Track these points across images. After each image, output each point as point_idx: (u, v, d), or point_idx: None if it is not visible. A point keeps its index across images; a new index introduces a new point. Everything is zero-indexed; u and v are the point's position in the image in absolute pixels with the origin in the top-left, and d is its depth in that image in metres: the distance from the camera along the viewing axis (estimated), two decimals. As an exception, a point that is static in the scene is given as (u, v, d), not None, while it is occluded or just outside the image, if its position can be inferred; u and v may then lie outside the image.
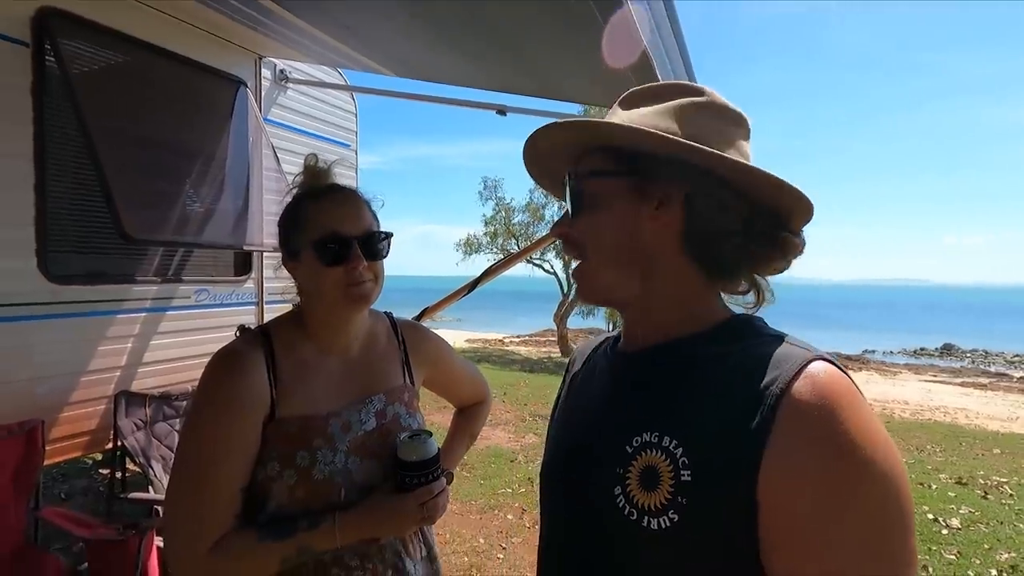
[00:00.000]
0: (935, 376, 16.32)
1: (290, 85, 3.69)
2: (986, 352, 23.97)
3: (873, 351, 22.10)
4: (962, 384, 14.70)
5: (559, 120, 0.71)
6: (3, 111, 2.25)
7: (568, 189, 0.72)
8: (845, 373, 0.58)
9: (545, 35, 1.95)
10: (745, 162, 0.65)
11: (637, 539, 0.60)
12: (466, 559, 3.41)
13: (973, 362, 21.47)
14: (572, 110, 3.24)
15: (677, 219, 0.67)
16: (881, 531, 0.52)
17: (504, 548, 3.57)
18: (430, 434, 1.08)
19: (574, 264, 0.74)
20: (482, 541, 3.66)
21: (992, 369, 19.06)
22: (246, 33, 3.06)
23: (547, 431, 0.87)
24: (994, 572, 3.41)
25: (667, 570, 0.59)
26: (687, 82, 0.74)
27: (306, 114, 3.87)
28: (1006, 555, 3.62)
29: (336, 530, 0.97)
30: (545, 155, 0.77)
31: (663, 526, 0.58)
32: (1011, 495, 4.82)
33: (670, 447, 0.60)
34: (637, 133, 0.65)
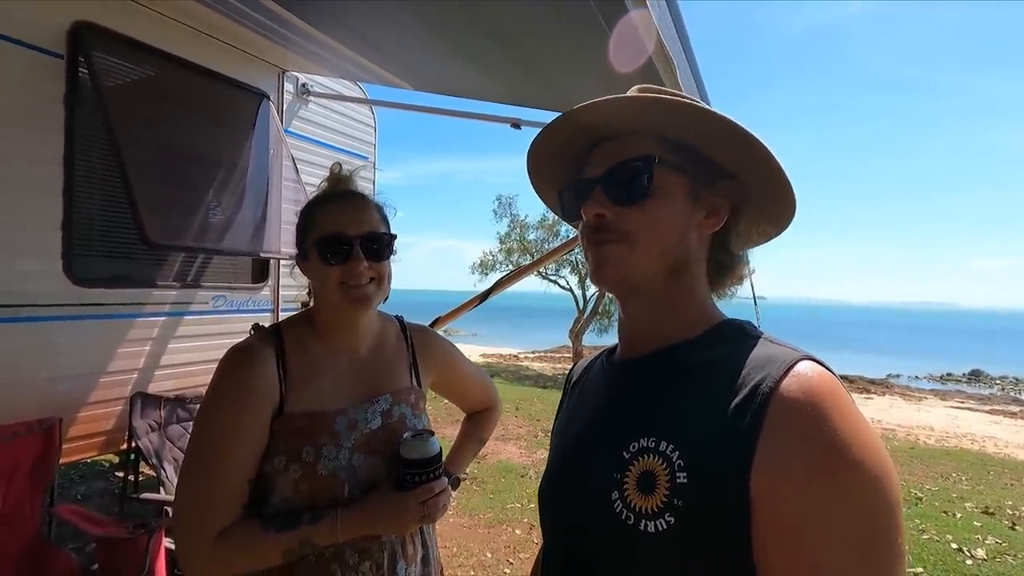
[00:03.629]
0: (962, 403, 15.82)
1: (311, 98, 3.78)
2: (1016, 379, 23.18)
3: (898, 375, 21.53)
4: (991, 411, 14.22)
5: (652, 95, 0.65)
6: (37, 119, 2.35)
7: (624, 170, 0.68)
8: (833, 373, 0.59)
9: (556, 44, 1.97)
10: (792, 185, 0.68)
11: (635, 542, 0.60)
12: (472, 573, 3.38)
13: (1003, 389, 20.76)
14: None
15: (716, 232, 0.71)
16: (869, 528, 0.52)
17: (511, 563, 3.53)
18: (432, 433, 1.10)
19: (600, 247, 0.69)
20: (489, 555, 3.62)
21: (1023, 397, 18.41)
22: (270, 47, 3.16)
23: (549, 448, 0.88)
24: (1022, 606, 3.27)
25: (665, 572, 0.60)
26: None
27: (326, 127, 3.97)
28: (1035, 589, 3.48)
29: (338, 525, 0.98)
30: (567, 136, 0.73)
31: (660, 528, 0.58)
32: (1042, 527, 4.63)
33: (666, 451, 0.60)
34: (753, 140, 0.65)
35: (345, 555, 1.03)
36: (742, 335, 0.68)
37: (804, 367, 0.58)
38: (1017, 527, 4.58)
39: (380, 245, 1.10)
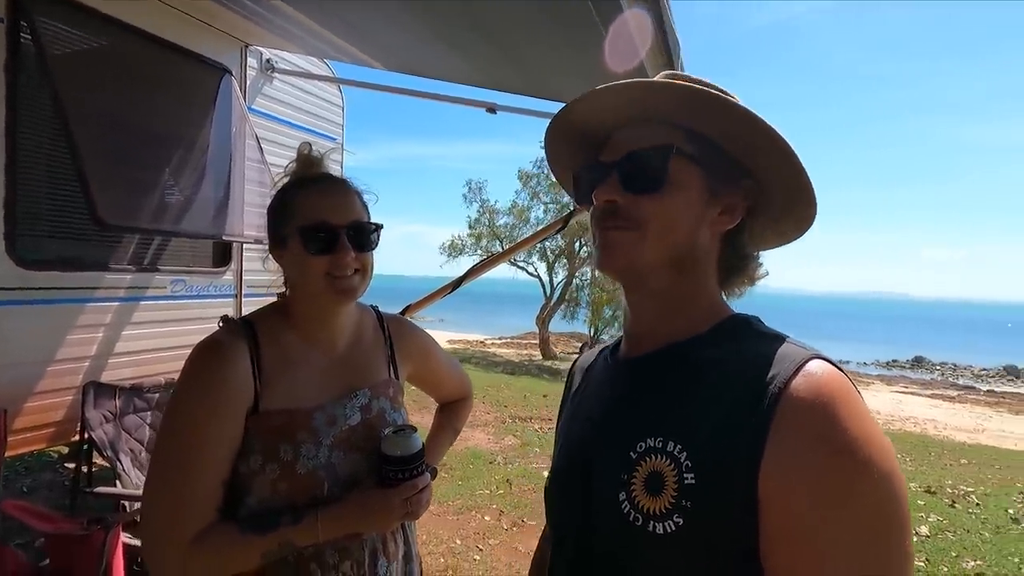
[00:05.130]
0: (906, 388, 16.74)
1: (276, 75, 3.63)
2: (955, 365, 24.66)
3: (848, 362, 22.59)
4: (931, 396, 15.10)
5: (687, 82, 0.64)
6: (-27, 87, 2.17)
7: (637, 158, 0.67)
8: (843, 372, 0.59)
9: (539, 30, 1.93)
10: (813, 189, 0.66)
11: (643, 544, 0.59)
12: (442, 560, 3.38)
13: (942, 375, 22.09)
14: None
15: (729, 228, 0.69)
16: (877, 530, 0.52)
17: (481, 549, 3.55)
18: (414, 429, 1.07)
19: (608, 232, 0.68)
20: (459, 542, 3.63)
21: (960, 382, 19.62)
22: (233, 19, 3.00)
23: (554, 446, 0.87)
24: (960, 579, 3.48)
25: (673, 573, 0.59)
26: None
27: (292, 105, 3.82)
28: (972, 563, 3.71)
29: (319, 525, 0.95)
30: (597, 113, 0.71)
31: (669, 530, 0.58)
32: (977, 504, 4.93)
33: (674, 451, 0.60)
34: (775, 136, 0.63)
35: (325, 555, 0.99)
36: (750, 331, 0.67)
37: (814, 366, 0.57)
38: (956, 505, 4.88)
39: (366, 235, 1.06)
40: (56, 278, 2.49)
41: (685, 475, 0.58)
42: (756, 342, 0.64)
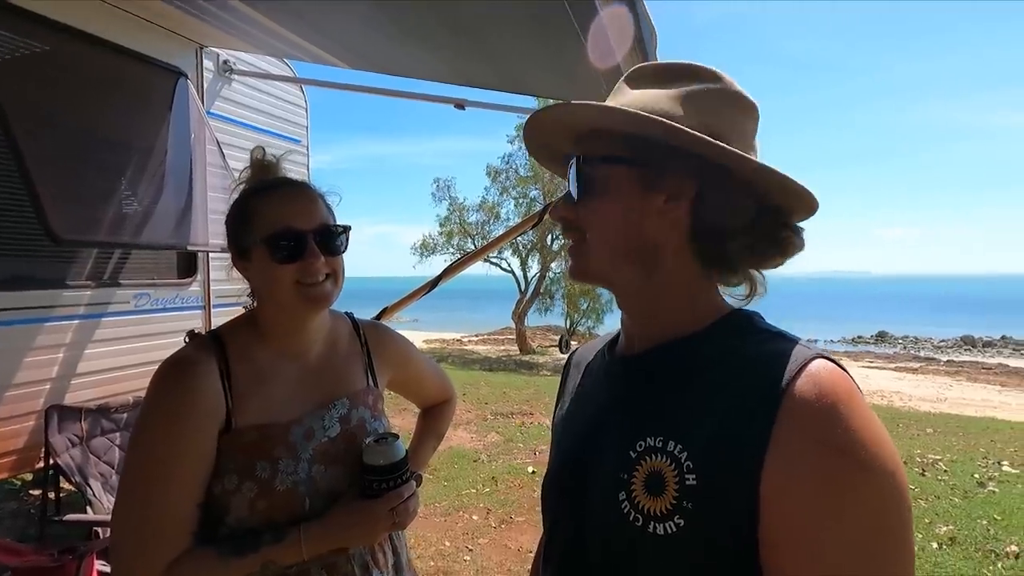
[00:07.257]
0: (872, 362, 17.37)
1: (235, 77, 3.51)
2: (916, 338, 25.70)
3: (816, 340, 23.31)
4: (896, 369, 15.71)
5: (567, 102, 0.69)
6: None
7: (572, 171, 0.69)
8: (846, 372, 0.58)
9: (510, 25, 1.90)
10: (764, 164, 0.62)
11: (643, 545, 0.59)
12: (432, 563, 3.35)
13: (905, 348, 23.02)
14: (533, 103, 3.21)
15: (686, 214, 0.65)
16: (879, 531, 0.52)
17: (471, 550, 3.53)
18: (397, 436, 1.04)
19: (569, 242, 0.73)
20: (448, 544, 3.60)
21: (922, 354, 20.48)
22: (185, 20, 2.89)
23: (551, 442, 0.86)
24: (934, 545, 3.62)
25: (673, 573, 0.58)
26: (699, 64, 0.68)
27: (253, 108, 3.70)
28: (944, 528, 3.85)
29: (302, 542, 0.92)
30: (547, 132, 0.74)
31: (670, 531, 0.57)
32: (945, 471, 5.14)
33: (675, 451, 0.59)
34: (651, 122, 0.61)
35: (311, 573, 0.96)
36: (751, 328, 0.66)
37: (817, 366, 0.57)
38: (926, 473, 5.07)
39: (334, 238, 1.02)
40: (7, 298, 2.35)
41: (686, 475, 0.57)
42: (758, 340, 0.63)
